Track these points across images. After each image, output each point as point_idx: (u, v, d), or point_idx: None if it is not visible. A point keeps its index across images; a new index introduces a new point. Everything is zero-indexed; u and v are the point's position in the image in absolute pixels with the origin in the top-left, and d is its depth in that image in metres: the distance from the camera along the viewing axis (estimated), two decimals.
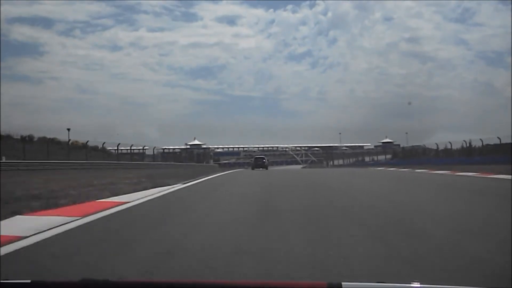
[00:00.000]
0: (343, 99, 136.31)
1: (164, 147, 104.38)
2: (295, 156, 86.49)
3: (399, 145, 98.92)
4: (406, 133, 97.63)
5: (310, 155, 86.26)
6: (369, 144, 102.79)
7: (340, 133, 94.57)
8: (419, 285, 1.44)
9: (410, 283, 1.44)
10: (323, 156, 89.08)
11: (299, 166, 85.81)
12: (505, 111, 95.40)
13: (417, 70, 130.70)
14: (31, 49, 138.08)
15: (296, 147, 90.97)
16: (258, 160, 41.40)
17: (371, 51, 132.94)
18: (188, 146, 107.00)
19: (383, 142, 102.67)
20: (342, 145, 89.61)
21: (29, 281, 1.42)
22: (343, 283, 1.32)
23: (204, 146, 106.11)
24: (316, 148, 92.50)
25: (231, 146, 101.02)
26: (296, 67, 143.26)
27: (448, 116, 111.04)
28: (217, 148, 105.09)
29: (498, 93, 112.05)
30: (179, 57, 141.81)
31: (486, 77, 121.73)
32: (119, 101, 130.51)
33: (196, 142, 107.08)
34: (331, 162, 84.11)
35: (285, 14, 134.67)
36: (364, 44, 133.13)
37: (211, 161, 76.10)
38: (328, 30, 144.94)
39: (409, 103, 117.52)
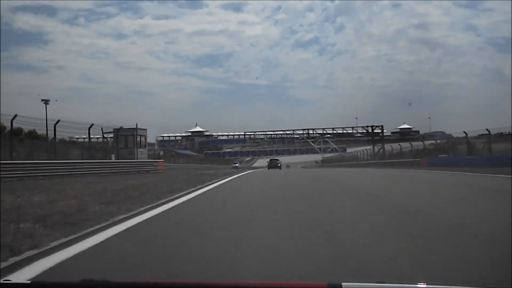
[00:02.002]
0: (351, 87, 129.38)
1: (164, 135, 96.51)
2: (312, 144, 77.20)
3: (418, 131, 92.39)
4: (429, 118, 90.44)
5: (330, 142, 76.32)
6: (385, 131, 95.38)
7: (357, 118, 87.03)
8: (420, 285, 1.43)
9: (412, 284, 1.46)
10: (342, 143, 79.95)
11: (318, 157, 77.09)
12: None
13: (426, 57, 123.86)
14: (36, 38, 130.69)
15: (312, 132, 77.35)
16: (273, 162, 48.09)
17: (379, 38, 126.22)
18: (189, 134, 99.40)
19: (400, 129, 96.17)
20: (358, 132, 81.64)
21: (29, 281, 1.46)
22: (343, 283, 1.30)
23: (207, 133, 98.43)
24: (328, 135, 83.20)
25: (236, 134, 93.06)
26: (303, 55, 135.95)
27: (456, 103, 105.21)
28: (222, 135, 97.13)
29: (508, 80, 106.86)
30: (185, 45, 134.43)
31: (495, 64, 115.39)
32: (125, 90, 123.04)
33: (198, 129, 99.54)
34: (379, 148, 56.26)
35: (292, 1, 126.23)
36: (372, 31, 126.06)
37: (143, 150, 33.12)
38: (336, 16, 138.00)
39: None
